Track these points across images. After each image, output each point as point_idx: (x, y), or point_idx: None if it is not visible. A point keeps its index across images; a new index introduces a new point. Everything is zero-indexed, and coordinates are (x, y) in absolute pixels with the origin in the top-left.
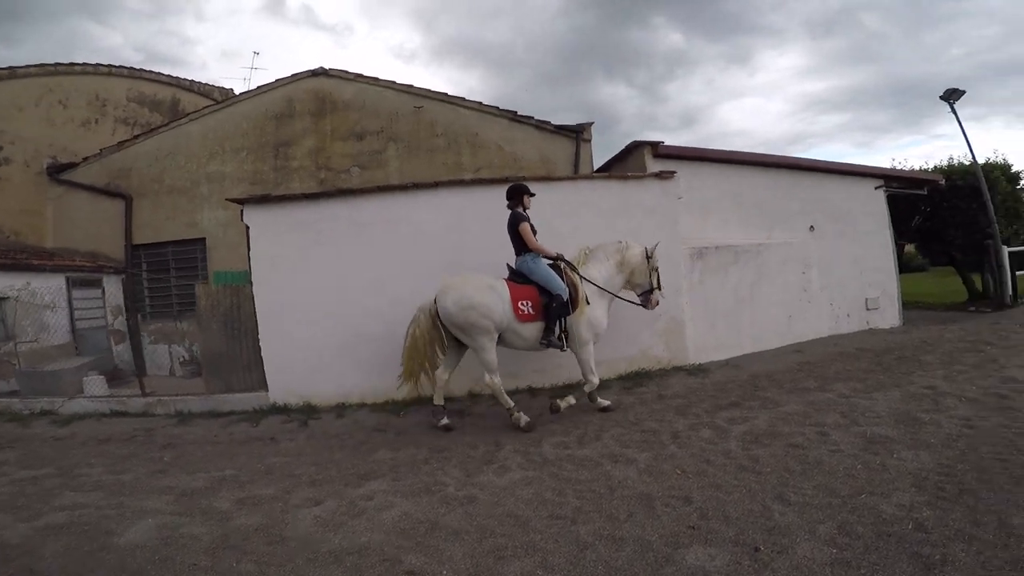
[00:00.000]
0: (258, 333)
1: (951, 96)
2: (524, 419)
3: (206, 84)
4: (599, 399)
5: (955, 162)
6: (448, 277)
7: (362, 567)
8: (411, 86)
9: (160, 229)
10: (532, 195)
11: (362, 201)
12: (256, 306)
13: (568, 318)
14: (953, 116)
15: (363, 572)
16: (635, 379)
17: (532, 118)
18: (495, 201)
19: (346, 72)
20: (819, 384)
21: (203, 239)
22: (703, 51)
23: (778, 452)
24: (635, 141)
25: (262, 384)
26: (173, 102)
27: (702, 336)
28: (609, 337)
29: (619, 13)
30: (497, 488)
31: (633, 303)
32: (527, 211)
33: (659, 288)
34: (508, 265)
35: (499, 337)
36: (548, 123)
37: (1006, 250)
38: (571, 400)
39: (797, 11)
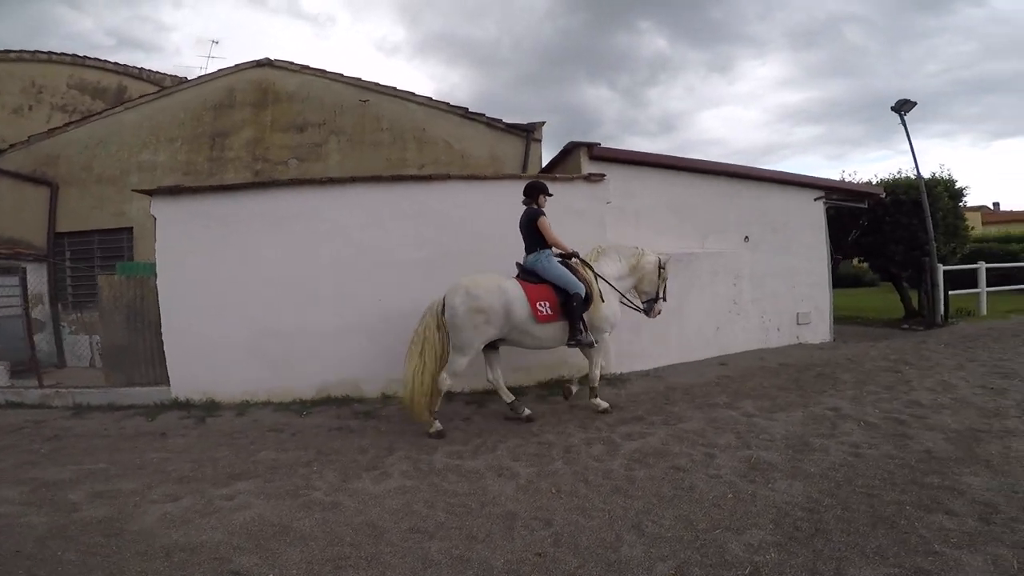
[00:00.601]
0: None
1: (902, 107)
2: (437, 427)
3: (157, 72)
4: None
5: (901, 175)
6: (465, 277)
7: (188, 564)
8: (359, 79)
9: (87, 218)
10: (550, 195)
11: (276, 195)
12: (160, 299)
13: (584, 314)
14: (915, 127)
15: (187, 569)
16: (553, 387)
17: (483, 115)
18: (415, 199)
19: (292, 63)
20: (729, 400)
21: (130, 228)
22: (686, 57)
23: (658, 474)
24: (572, 142)
25: (165, 378)
26: (119, 90)
27: (626, 345)
28: None
29: (606, 16)
30: (368, 496)
31: (636, 308)
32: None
33: (664, 299)
34: (517, 263)
35: (508, 339)
36: (499, 121)
37: (941, 268)
38: (601, 404)
39: (782, 21)
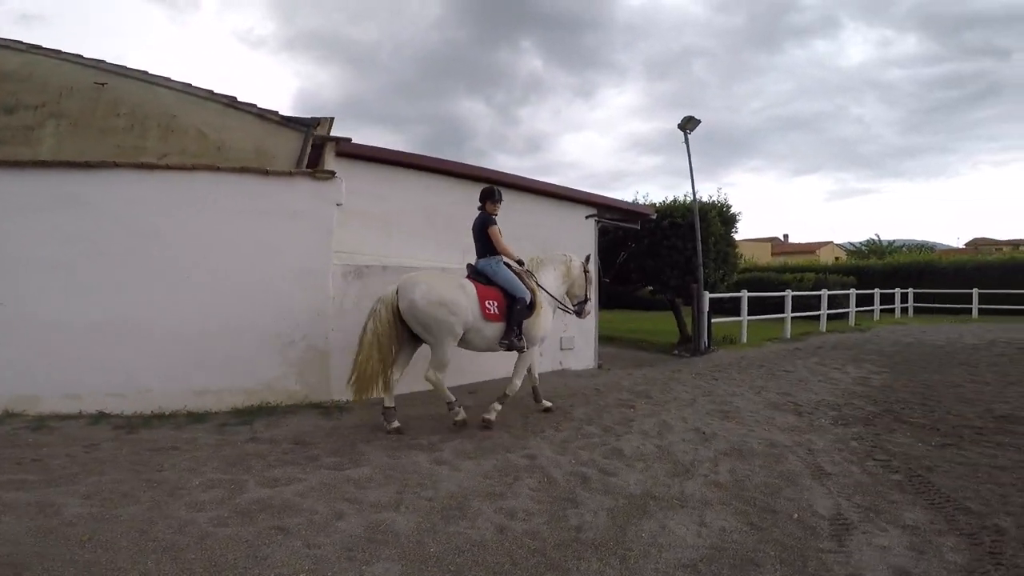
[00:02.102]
0: None
1: (687, 124)
2: (462, 414)
3: None
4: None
5: (685, 199)
6: (412, 274)
7: None
8: (101, 61)
9: None
10: (499, 200)
11: None
12: None
13: (525, 321)
14: (733, 161)
15: None
16: (248, 416)
17: (255, 106)
18: (60, 188)
19: (18, 42)
20: (437, 440)
21: None
22: (557, 80)
23: (247, 536)
24: (318, 135)
25: None
26: None
27: None
28: (225, 363)
29: (493, 31)
30: None
31: (569, 311)
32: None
33: (590, 299)
34: (469, 265)
35: (463, 337)
36: (274, 113)
37: (707, 296)
38: (497, 407)
39: (643, 51)
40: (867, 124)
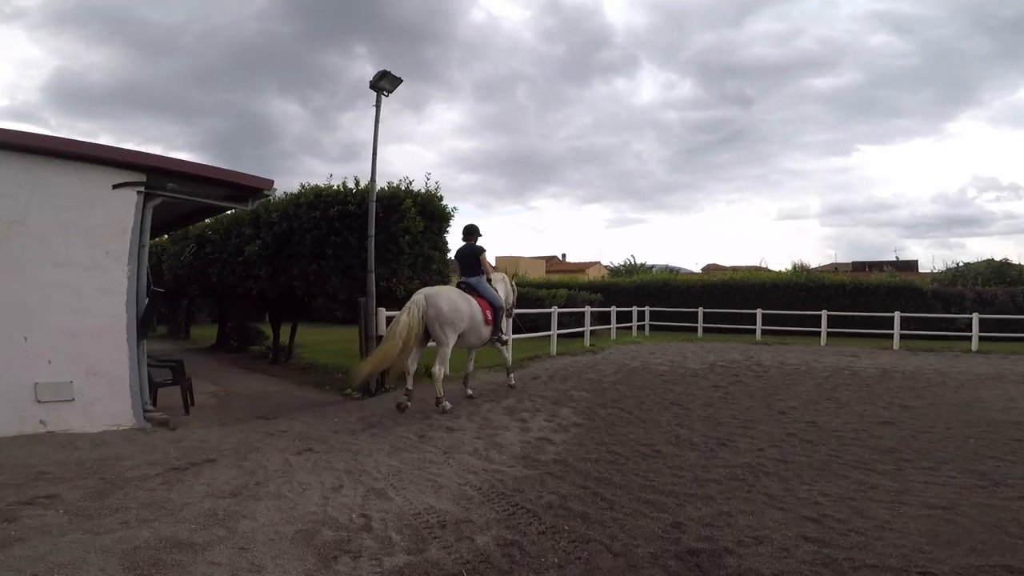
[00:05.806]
0: None
1: (381, 81)
2: (448, 405)
3: None
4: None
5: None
6: (433, 288)
7: None
8: None
9: None
10: (481, 235)
11: None
12: None
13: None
14: (537, 188)
15: None
16: None
17: None
18: None
19: None
20: None
21: None
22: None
23: None
24: None
25: None
26: None
27: None
28: None
29: (323, 32)
30: None
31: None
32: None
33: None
34: (462, 281)
35: (462, 336)
36: None
37: (383, 313)
38: (512, 380)
39: (475, 71)
40: (644, 160)
